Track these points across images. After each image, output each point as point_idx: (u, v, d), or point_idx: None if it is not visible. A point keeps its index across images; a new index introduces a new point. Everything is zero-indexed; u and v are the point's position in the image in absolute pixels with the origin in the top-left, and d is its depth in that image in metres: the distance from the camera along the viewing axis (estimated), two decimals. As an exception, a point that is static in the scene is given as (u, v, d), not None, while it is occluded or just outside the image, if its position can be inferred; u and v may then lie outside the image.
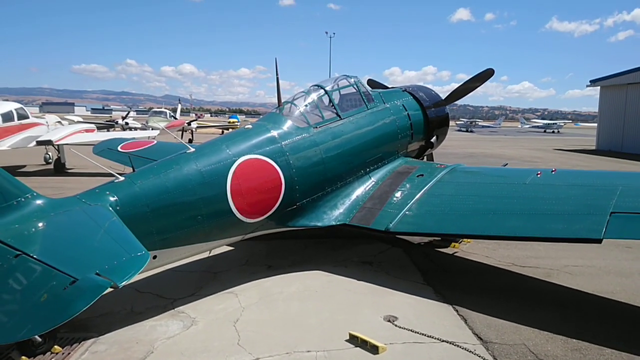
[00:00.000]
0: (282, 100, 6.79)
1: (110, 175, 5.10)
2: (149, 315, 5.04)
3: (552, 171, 6.27)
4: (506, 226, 5.46)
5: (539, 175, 6.17)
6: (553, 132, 72.20)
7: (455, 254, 7.26)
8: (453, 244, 7.59)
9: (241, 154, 5.69)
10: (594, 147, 34.62)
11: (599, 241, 4.64)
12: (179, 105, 37.64)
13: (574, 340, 4.40)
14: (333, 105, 7.08)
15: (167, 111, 33.62)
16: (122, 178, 5.00)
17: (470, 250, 7.41)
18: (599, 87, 34.91)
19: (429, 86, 9.60)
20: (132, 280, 5.64)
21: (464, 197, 6.39)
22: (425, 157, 9.49)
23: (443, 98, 9.14)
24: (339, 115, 6.98)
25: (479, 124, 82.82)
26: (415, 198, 6.40)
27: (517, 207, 5.70)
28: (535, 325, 4.69)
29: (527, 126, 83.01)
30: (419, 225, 6.14)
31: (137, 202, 4.79)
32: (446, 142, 38.64)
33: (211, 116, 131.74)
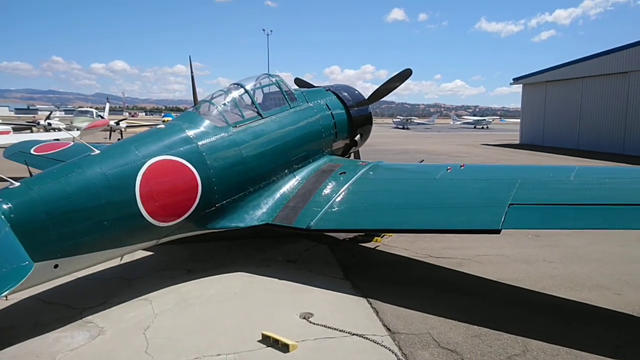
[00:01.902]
0: (200, 99, 6.65)
1: (3, 180, 4.75)
2: (54, 327, 4.76)
3: (461, 166, 6.61)
4: (416, 220, 5.70)
5: (449, 171, 6.48)
6: (482, 128, 76.10)
7: (377, 248, 7.47)
8: (375, 238, 7.80)
9: (152, 155, 5.49)
10: (517, 142, 36.90)
11: (498, 231, 4.93)
12: (107, 104, 35.82)
13: (476, 327, 4.66)
14: (254, 104, 7.03)
15: (94, 110, 31.89)
16: (17, 184, 4.66)
17: (392, 243, 7.65)
18: (521, 85, 37.23)
19: (353, 86, 9.77)
20: (37, 291, 5.39)
21: (381, 193, 6.60)
22: (352, 155, 9.68)
23: (366, 97, 9.36)
24: (260, 114, 6.93)
25: (415, 121, 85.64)
26: (337, 195, 6.51)
27: (427, 201, 5.97)
28: (441, 314, 4.92)
29: (459, 123, 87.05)
30: (339, 222, 6.24)
31: (34, 209, 4.49)
32: (383, 139, 39.75)
33: (146, 115, 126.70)
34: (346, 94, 8.94)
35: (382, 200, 6.38)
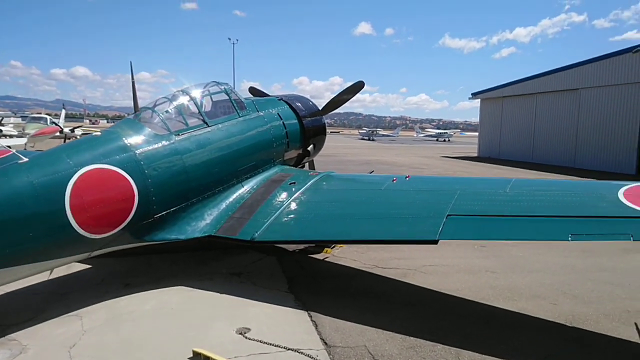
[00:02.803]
0: (141, 106, 6.45)
1: None
2: (-29, 347, 4.43)
3: (407, 177, 6.66)
4: (359, 230, 5.67)
5: (394, 182, 6.51)
6: (444, 140, 78.01)
7: (326, 259, 7.41)
8: (326, 249, 7.74)
9: (85, 163, 5.25)
10: (476, 154, 37.94)
11: (435, 242, 4.95)
12: (63, 110, 34.55)
13: (412, 338, 4.64)
14: (200, 111, 6.87)
15: (48, 117, 30.67)
16: None
17: (341, 254, 7.60)
18: (479, 100, 38.41)
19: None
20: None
21: (327, 204, 6.56)
22: (307, 165, 9.64)
23: (320, 108, 9.37)
24: (206, 123, 6.78)
25: (380, 133, 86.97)
26: (284, 206, 6.43)
27: (371, 211, 5.96)
28: (380, 326, 4.89)
29: (422, 135, 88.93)
30: (284, 234, 6.13)
31: None
32: (348, 150, 40.02)
33: (107, 122, 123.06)
34: (299, 104, 8.92)
35: (328, 211, 6.34)
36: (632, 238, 4.15)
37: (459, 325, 5.01)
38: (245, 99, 7.97)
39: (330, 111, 9.48)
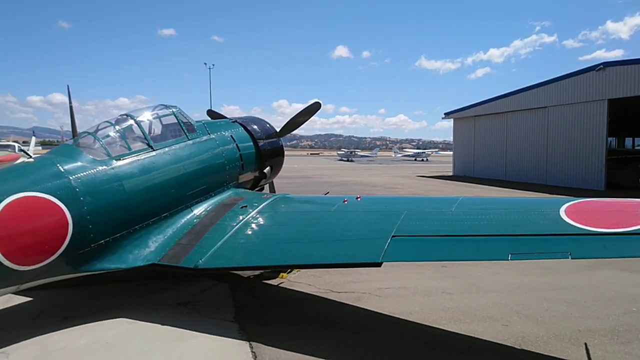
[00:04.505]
0: (80, 131, 6.22)
1: None
2: None
3: (357, 198, 6.53)
4: (304, 254, 5.47)
5: (345, 203, 6.37)
6: (422, 160, 78.86)
7: (280, 285, 7.17)
8: (281, 274, 7.51)
9: (12, 191, 4.98)
10: (451, 173, 38.30)
11: (379, 264, 4.79)
12: (33, 137, 33.82)
13: (354, 367, 4.44)
14: (144, 135, 6.67)
15: (16, 145, 29.92)
16: None
17: (297, 279, 7.38)
18: (452, 119, 38.98)
19: (264, 118, 9.65)
20: None
21: (275, 227, 6.37)
22: (267, 187, 9.47)
23: (278, 130, 9.25)
24: (150, 146, 6.57)
25: (359, 153, 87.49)
26: (233, 231, 6.20)
27: (318, 234, 5.79)
28: (323, 355, 4.67)
29: (400, 155, 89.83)
30: (229, 260, 5.88)
31: None
32: (325, 172, 40.09)
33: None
34: (255, 126, 8.79)
35: (276, 234, 6.14)
36: (570, 256, 4.07)
37: (406, 352, 4.82)
38: (197, 121, 7.80)
39: (288, 132, 9.36)
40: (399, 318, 5.78)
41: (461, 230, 4.87)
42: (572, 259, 4.06)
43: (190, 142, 7.21)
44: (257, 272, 7.59)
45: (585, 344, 4.99)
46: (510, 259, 4.26)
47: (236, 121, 8.64)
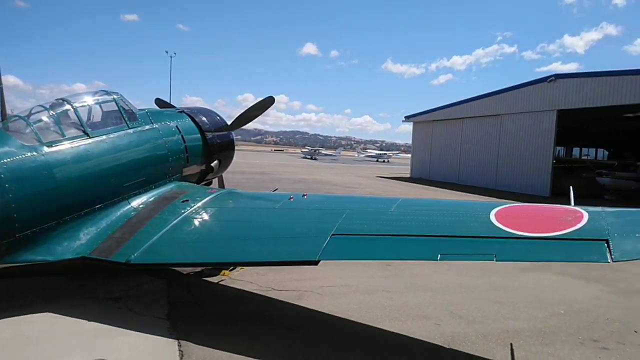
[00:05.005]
0: (10, 114, 5.86)
1: None
2: None
3: (304, 195, 6.48)
4: (243, 252, 5.38)
5: (291, 200, 6.31)
6: (384, 161, 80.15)
7: (221, 282, 7.02)
8: (223, 271, 7.36)
9: None
10: (409, 175, 39.05)
11: (316, 263, 4.76)
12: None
13: (283, 365, 4.39)
14: (80, 121, 6.36)
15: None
16: None
17: (239, 277, 7.25)
18: (412, 123, 39.73)
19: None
20: None
21: (216, 223, 6.23)
22: (215, 181, 9.27)
23: (229, 123, 9.08)
24: (86, 134, 6.27)
25: (322, 152, 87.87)
26: (170, 225, 5.99)
27: (260, 231, 5.71)
28: (255, 354, 4.59)
29: (363, 156, 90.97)
30: (163, 256, 5.70)
31: None
32: (287, 169, 40.01)
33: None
34: (204, 118, 8.58)
35: (215, 230, 6.02)
36: (495, 258, 4.17)
37: (337, 349, 4.81)
38: (141, 110, 7.52)
39: (240, 126, 9.21)
40: (336, 316, 5.78)
41: (398, 230, 4.90)
42: (496, 261, 4.16)
43: (131, 131, 6.94)
44: (197, 269, 7.41)
45: (511, 344, 5.14)
46: (440, 259, 4.33)
47: (183, 111, 8.41)
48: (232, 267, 7.42)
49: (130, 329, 5.14)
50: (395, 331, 5.35)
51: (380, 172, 46.38)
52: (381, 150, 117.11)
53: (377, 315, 5.85)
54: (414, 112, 38.98)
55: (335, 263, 7.40)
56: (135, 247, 5.63)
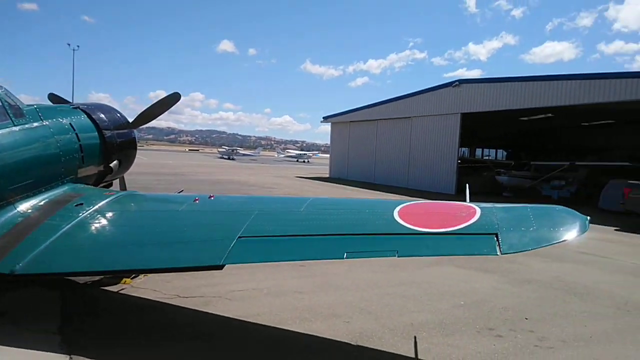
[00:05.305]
0: None
1: None
2: None
3: (210, 197, 6.23)
4: (142, 258, 5.01)
5: (196, 202, 6.03)
6: (304, 161, 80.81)
7: (121, 292, 6.55)
8: (124, 279, 6.88)
9: None
10: (328, 175, 39.70)
11: (221, 267, 4.56)
12: None
13: (184, 376, 4.16)
14: (-47, 117, 5.58)
15: None
16: None
17: (142, 285, 6.81)
18: (330, 123, 40.45)
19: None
20: None
21: (113, 228, 5.77)
22: (117, 183, 8.65)
23: (130, 121, 8.50)
24: (-39, 131, 5.52)
25: (240, 152, 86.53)
26: (62, 232, 5.43)
27: (161, 236, 5.36)
28: (152, 366, 4.31)
29: (283, 156, 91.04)
30: (52, 265, 5.14)
31: None
32: (203, 169, 38.73)
33: None
34: (102, 115, 7.94)
35: (112, 236, 5.57)
36: (397, 254, 4.28)
37: (244, 356, 4.68)
38: (29, 105, 6.78)
39: (142, 124, 8.66)
40: (244, 321, 5.62)
41: (306, 230, 4.86)
42: (398, 256, 4.27)
43: (17, 128, 6.21)
44: (95, 278, 6.85)
45: (415, 337, 5.34)
46: (346, 257, 4.35)
47: (79, 108, 7.72)
48: (134, 275, 6.96)
49: (16, 346, 4.60)
50: (305, 332, 5.33)
51: (300, 172, 46.66)
52: (302, 150, 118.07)
53: (287, 317, 5.78)
54: (333, 113, 39.71)
55: (249, 266, 7.24)
56: (21, 256, 5.03)
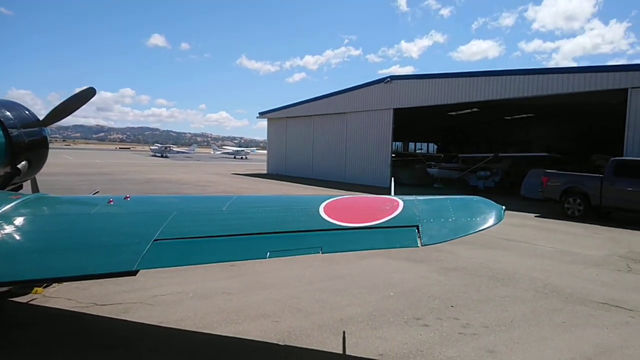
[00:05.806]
0: None
1: None
2: None
3: (126, 198, 5.83)
4: (47, 267, 4.55)
5: (110, 203, 5.61)
6: (242, 158, 79.57)
7: (31, 302, 6.00)
8: (35, 289, 6.31)
9: None
10: (266, 172, 39.29)
11: (134, 273, 4.24)
12: None
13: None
14: None
15: None
16: None
17: (55, 293, 6.28)
18: (267, 119, 39.99)
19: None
20: None
21: (19, 234, 5.19)
22: (26, 185, 7.90)
23: (41, 118, 7.80)
24: None
25: (174, 149, 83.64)
26: (-45, 240, 4.85)
27: (69, 241, 4.91)
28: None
29: (219, 153, 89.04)
30: (-57, 278, 4.59)
31: None
32: (132, 168, 36.84)
33: None
34: (7, 112, 7.21)
35: (18, 243, 5.01)
36: (320, 251, 4.19)
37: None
38: None
39: (55, 121, 7.98)
40: (167, 327, 5.32)
41: (227, 230, 4.65)
42: (322, 253, 4.18)
43: None
44: (4, 289, 6.22)
45: (344, 332, 5.31)
46: (269, 257, 4.20)
47: (-20, 104, 6.97)
48: (45, 284, 6.40)
49: None
50: (231, 335, 5.13)
51: (237, 169, 45.83)
52: (240, 146, 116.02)
53: (213, 320, 5.55)
54: (270, 109, 39.27)
55: (174, 269, 6.90)
56: None
